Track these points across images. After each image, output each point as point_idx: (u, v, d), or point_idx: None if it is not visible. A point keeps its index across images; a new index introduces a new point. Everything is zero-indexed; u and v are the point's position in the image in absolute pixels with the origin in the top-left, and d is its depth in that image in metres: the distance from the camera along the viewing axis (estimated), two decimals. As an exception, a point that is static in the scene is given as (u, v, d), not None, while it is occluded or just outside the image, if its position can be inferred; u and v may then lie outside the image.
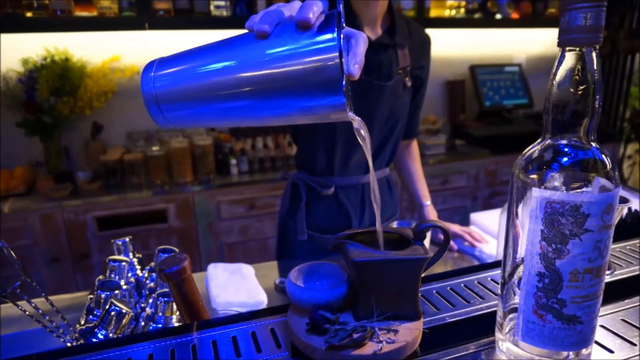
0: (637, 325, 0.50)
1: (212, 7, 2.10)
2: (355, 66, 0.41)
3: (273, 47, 0.39)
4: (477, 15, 2.63)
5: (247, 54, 0.40)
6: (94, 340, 0.61)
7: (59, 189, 1.94)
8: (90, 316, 0.69)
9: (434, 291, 0.59)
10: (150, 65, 0.43)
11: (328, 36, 0.38)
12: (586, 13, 0.36)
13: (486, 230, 1.28)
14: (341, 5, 0.41)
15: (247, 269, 1.03)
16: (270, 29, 0.39)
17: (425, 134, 2.58)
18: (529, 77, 2.91)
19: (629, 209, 0.93)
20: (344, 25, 0.42)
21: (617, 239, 0.61)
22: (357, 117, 0.44)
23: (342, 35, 0.40)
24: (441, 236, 0.51)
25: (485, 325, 0.50)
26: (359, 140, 0.47)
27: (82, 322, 0.69)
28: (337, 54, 0.37)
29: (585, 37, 0.37)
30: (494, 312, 0.48)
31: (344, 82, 0.38)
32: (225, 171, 2.21)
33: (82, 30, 1.98)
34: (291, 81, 0.39)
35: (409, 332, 0.46)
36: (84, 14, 1.95)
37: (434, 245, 1.15)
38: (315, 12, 0.39)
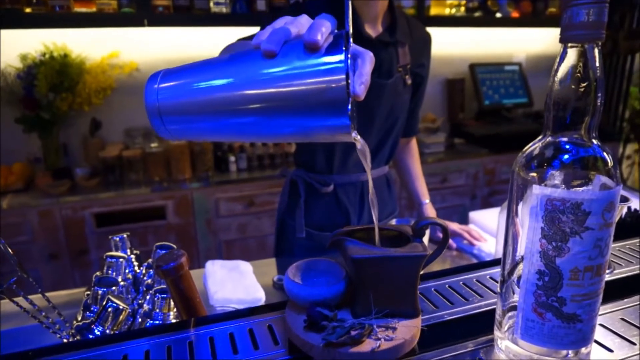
0: (637, 325, 0.50)
1: (211, 4, 2.10)
2: (361, 87, 0.40)
3: (280, 67, 0.39)
4: (477, 14, 2.63)
5: (254, 72, 0.39)
6: (91, 336, 0.61)
7: (57, 186, 1.93)
8: (87, 312, 0.69)
9: (433, 289, 0.59)
10: (154, 77, 0.43)
11: (336, 58, 0.37)
12: (589, 9, 0.36)
13: (485, 228, 1.28)
14: (349, 25, 0.41)
15: (245, 266, 1.03)
16: (278, 49, 0.39)
17: (424, 133, 2.58)
18: (529, 76, 2.91)
19: (629, 208, 0.92)
20: (352, 43, 0.42)
21: (616, 238, 0.61)
22: (360, 139, 0.44)
23: (350, 51, 0.39)
24: (440, 234, 0.51)
25: (484, 324, 0.50)
26: (362, 160, 0.47)
27: (79, 319, 0.69)
28: (344, 76, 0.37)
29: (587, 33, 0.36)
30: (493, 310, 0.48)
31: (349, 106, 0.38)
32: (224, 168, 2.21)
33: (81, 26, 1.98)
34: (296, 102, 0.39)
35: (407, 330, 0.46)
36: (83, 10, 1.94)
37: (433, 244, 1.15)
38: (324, 34, 0.38)
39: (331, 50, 0.38)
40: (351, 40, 0.41)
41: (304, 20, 0.43)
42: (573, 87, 0.38)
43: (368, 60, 0.42)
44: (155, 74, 0.43)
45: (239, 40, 0.88)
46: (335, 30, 0.42)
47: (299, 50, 0.39)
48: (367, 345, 0.43)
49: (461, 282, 0.61)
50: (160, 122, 0.43)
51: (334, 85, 0.37)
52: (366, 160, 0.47)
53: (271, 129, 0.41)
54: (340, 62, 0.37)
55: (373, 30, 1.05)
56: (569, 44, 0.38)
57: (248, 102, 0.40)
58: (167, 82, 0.42)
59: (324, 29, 0.39)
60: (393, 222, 1.22)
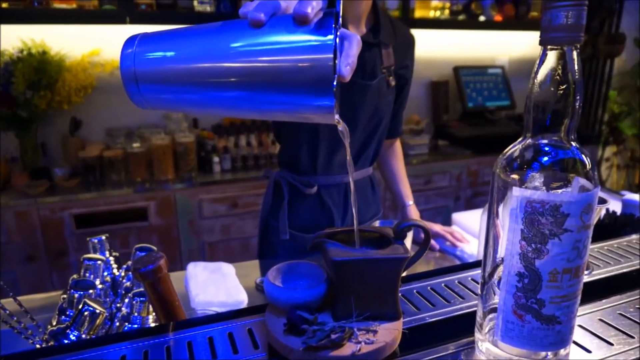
0: (614, 325, 0.51)
1: (195, 3, 2.08)
2: (347, 67, 0.40)
3: (266, 38, 0.37)
4: (461, 17, 2.65)
5: (239, 42, 0.38)
6: (66, 341, 0.59)
7: (35, 186, 1.89)
8: (63, 317, 0.67)
9: (415, 291, 0.59)
10: (131, 40, 0.40)
11: (325, 35, 0.36)
12: (567, 12, 0.36)
13: (468, 230, 1.29)
14: (340, 6, 0.40)
15: (228, 268, 1.02)
16: (266, 18, 0.38)
17: (408, 134, 2.60)
18: (511, 79, 2.95)
19: (607, 210, 0.94)
20: (340, 26, 0.42)
21: (594, 240, 0.62)
22: (341, 121, 0.43)
23: (338, 31, 0.39)
24: (423, 236, 0.50)
25: (465, 326, 0.50)
26: (343, 140, 0.46)
27: (54, 323, 0.67)
28: (331, 55, 0.36)
29: (566, 36, 0.36)
30: (474, 312, 0.48)
31: (335, 84, 0.37)
32: (207, 169, 2.19)
33: (60, 22, 1.94)
34: (281, 76, 0.37)
35: (388, 333, 0.45)
36: (63, 6, 1.90)
37: (416, 245, 1.15)
38: (315, 8, 0.38)
39: (321, 26, 0.37)
40: (340, 22, 0.40)
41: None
42: (552, 89, 0.38)
43: (355, 43, 0.41)
44: (132, 38, 0.41)
45: None
46: (325, 9, 0.41)
47: (288, 23, 0.37)
48: (347, 349, 0.43)
49: (443, 284, 0.61)
50: (136, 89, 0.40)
51: (321, 62, 0.36)
52: (347, 142, 0.46)
53: (253, 103, 0.39)
54: (329, 39, 0.36)
55: (357, 31, 1.05)
56: (549, 47, 0.38)
57: (231, 74, 0.38)
58: (146, 48, 0.40)
59: (315, 4, 0.38)
60: (376, 223, 1.22)
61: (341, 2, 0.41)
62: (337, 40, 0.38)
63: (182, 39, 0.40)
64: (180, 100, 0.41)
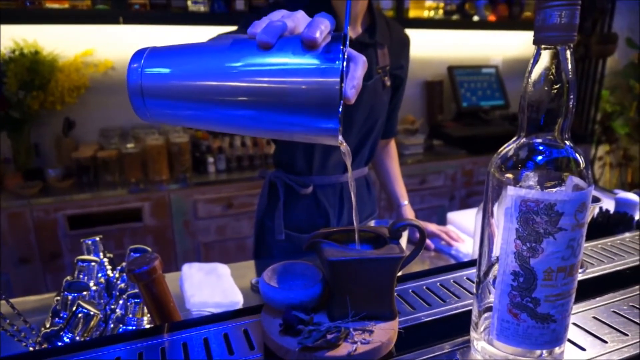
0: (608, 323, 0.51)
1: (189, 3, 2.07)
2: (352, 90, 0.40)
3: (274, 60, 0.37)
4: (455, 17, 2.66)
5: (246, 63, 0.38)
6: (60, 344, 0.59)
7: (28, 187, 1.87)
8: (56, 319, 0.66)
9: (410, 290, 0.59)
10: (139, 55, 0.41)
11: (332, 59, 0.37)
12: (561, 11, 0.36)
13: (463, 229, 1.30)
14: (348, 27, 0.40)
15: (223, 269, 1.01)
16: (274, 40, 0.38)
17: (403, 134, 2.60)
18: (505, 79, 2.96)
19: (600, 208, 0.95)
20: (347, 48, 0.41)
21: (588, 238, 0.62)
22: (344, 142, 0.43)
23: (346, 55, 0.39)
24: (419, 236, 0.50)
25: (460, 325, 0.50)
26: (346, 162, 0.47)
27: (48, 326, 0.66)
28: (338, 79, 0.36)
29: (560, 35, 0.37)
30: (470, 312, 0.48)
31: (340, 108, 0.37)
32: (202, 169, 2.18)
33: (53, 22, 1.92)
34: (287, 98, 0.37)
35: (384, 333, 0.45)
36: (56, 5, 1.89)
37: (411, 245, 1.15)
38: (323, 32, 0.38)
39: (329, 50, 0.37)
40: (348, 43, 0.40)
41: (301, 16, 0.42)
42: (546, 88, 0.38)
43: (361, 64, 0.41)
44: (140, 52, 0.41)
45: (225, 34, 0.87)
46: (333, 32, 0.41)
47: (296, 45, 0.37)
48: (343, 349, 0.43)
49: (438, 284, 0.61)
50: (142, 104, 0.40)
51: (328, 86, 0.36)
52: (349, 163, 0.47)
53: (257, 123, 0.39)
54: (337, 63, 0.36)
55: (352, 32, 1.05)
56: (542, 46, 0.38)
57: (237, 94, 0.38)
58: (153, 63, 0.40)
59: (323, 27, 0.38)
60: (372, 223, 1.23)
61: (348, 23, 0.40)
62: (345, 62, 0.38)
63: (189, 55, 0.40)
64: (185, 117, 0.41)
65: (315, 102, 0.37)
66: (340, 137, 0.41)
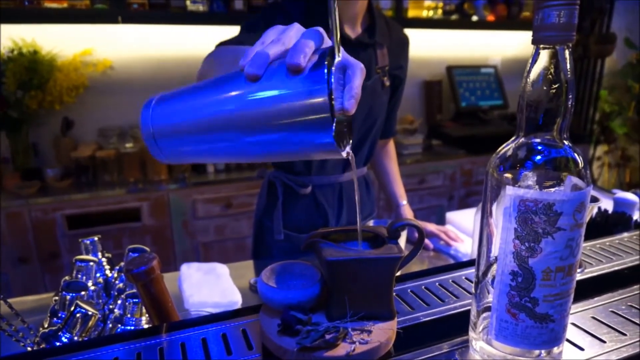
0: (607, 323, 0.51)
1: (188, 2, 2.06)
2: (351, 101, 0.39)
3: (263, 90, 0.38)
4: (454, 17, 2.66)
5: (239, 96, 0.39)
6: (58, 344, 0.58)
7: (26, 187, 1.87)
8: (55, 319, 0.66)
9: (409, 290, 0.59)
10: (149, 103, 0.44)
11: (318, 81, 0.37)
12: (559, 11, 0.36)
13: (462, 229, 1.30)
14: (335, 38, 0.40)
15: (222, 269, 1.01)
16: (261, 72, 0.38)
17: (402, 134, 2.60)
18: (504, 79, 2.97)
19: (599, 208, 0.95)
20: (340, 55, 0.41)
21: (587, 238, 0.62)
22: (350, 152, 0.43)
23: (333, 70, 0.39)
24: (417, 235, 0.50)
25: (459, 325, 0.50)
26: (353, 169, 0.47)
27: (46, 325, 0.66)
28: (326, 98, 0.36)
29: (558, 35, 0.37)
30: (469, 311, 0.48)
31: (334, 125, 0.38)
32: (201, 169, 2.18)
33: (51, 22, 1.92)
34: (281, 124, 0.38)
35: (383, 333, 0.45)
36: (54, 5, 1.88)
37: (410, 245, 1.15)
38: (307, 54, 0.38)
39: (314, 71, 0.37)
40: (339, 53, 0.40)
41: (293, 34, 0.42)
42: (545, 88, 0.38)
43: (359, 73, 0.41)
44: (150, 100, 0.45)
45: (220, 45, 0.87)
46: (322, 47, 0.41)
47: (282, 71, 0.38)
48: (342, 349, 0.43)
49: (437, 283, 0.61)
50: (156, 147, 0.44)
51: (317, 107, 0.37)
52: (355, 170, 0.48)
53: (260, 150, 0.41)
54: (321, 85, 0.37)
55: (352, 31, 1.05)
56: (541, 46, 0.38)
57: (235, 126, 0.40)
58: (159, 107, 0.43)
59: (308, 49, 0.38)
60: (370, 223, 1.23)
61: (337, 32, 0.40)
62: (334, 75, 0.38)
63: (190, 95, 0.42)
64: (195, 152, 0.43)
65: (307, 122, 0.38)
66: (347, 148, 0.42)
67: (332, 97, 0.38)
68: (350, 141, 0.45)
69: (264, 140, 0.40)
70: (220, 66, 0.61)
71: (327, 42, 0.43)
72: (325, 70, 0.37)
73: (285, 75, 0.38)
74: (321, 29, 0.42)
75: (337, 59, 0.40)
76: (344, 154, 0.41)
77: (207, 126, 0.41)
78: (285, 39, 0.41)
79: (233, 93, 0.40)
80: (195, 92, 0.42)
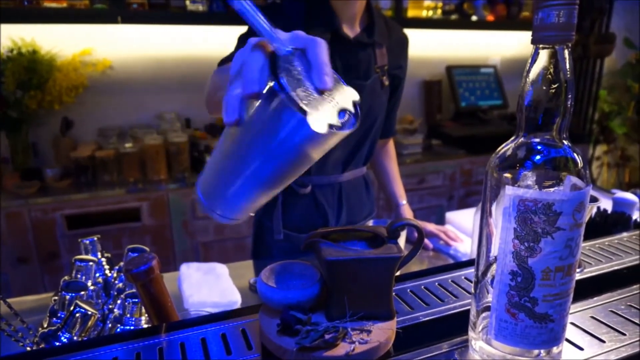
0: (606, 323, 0.51)
1: (187, 2, 2.06)
2: (321, 78, 0.39)
3: (248, 128, 0.40)
4: (453, 17, 2.66)
5: (236, 144, 0.42)
6: (57, 344, 0.58)
7: (26, 186, 1.87)
8: (54, 319, 0.66)
9: (409, 290, 0.59)
10: (198, 179, 0.50)
11: (274, 92, 0.37)
12: (559, 10, 0.36)
13: (461, 229, 1.30)
14: (266, 31, 0.39)
15: (221, 269, 1.01)
16: (236, 116, 0.39)
17: (402, 134, 2.60)
18: (504, 79, 2.97)
19: (598, 208, 0.95)
20: (287, 47, 0.40)
21: (586, 238, 0.62)
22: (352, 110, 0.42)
23: (281, 65, 0.39)
24: (417, 235, 0.50)
25: (459, 324, 0.50)
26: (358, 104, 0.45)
27: (45, 325, 0.66)
28: (285, 99, 0.36)
29: (558, 35, 0.37)
30: (468, 311, 0.48)
31: (307, 114, 0.37)
32: (200, 169, 2.15)
33: (51, 22, 1.92)
34: (278, 142, 0.39)
35: (382, 332, 0.45)
36: (53, 5, 1.88)
37: (410, 244, 1.15)
38: (256, 78, 0.38)
39: (269, 85, 0.38)
40: (284, 46, 0.40)
41: (247, 59, 0.41)
42: (544, 88, 0.38)
43: (317, 49, 0.40)
44: (198, 178, 0.50)
45: (221, 62, 0.88)
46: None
47: (250, 104, 0.39)
48: (341, 349, 0.43)
49: (437, 283, 0.61)
50: (213, 212, 0.47)
51: (286, 110, 0.37)
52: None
53: (282, 173, 0.42)
54: (279, 92, 0.37)
55: (351, 31, 1.05)
56: (540, 45, 0.38)
57: (248, 167, 0.42)
58: (201, 183, 0.49)
59: (254, 74, 0.38)
60: (370, 223, 1.22)
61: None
62: (285, 73, 0.38)
63: (211, 163, 0.47)
64: (235, 201, 0.45)
65: (287, 125, 0.38)
66: (345, 116, 0.41)
67: (296, 90, 0.37)
68: (357, 106, 0.44)
69: (280, 163, 0.41)
70: (221, 90, 0.62)
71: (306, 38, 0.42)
72: (273, 77, 0.37)
73: (253, 106, 0.39)
74: (260, 45, 0.41)
75: (289, 52, 0.39)
76: (340, 121, 0.40)
77: (230, 177, 0.44)
78: (243, 69, 0.40)
79: (233, 142, 0.42)
80: (213, 155, 0.47)
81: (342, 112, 0.41)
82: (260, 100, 0.39)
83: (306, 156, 0.41)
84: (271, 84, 0.37)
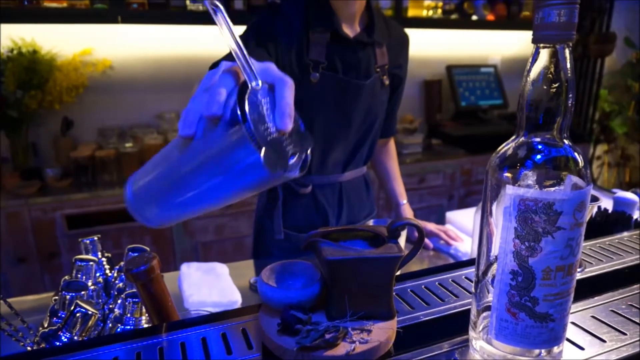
0: (607, 322, 0.51)
1: (187, 2, 2.06)
2: (283, 120, 0.39)
3: (199, 146, 0.40)
4: (453, 16, 2.66)
5: (186, 155, 0.41)
6: (57, 343, 0.58)
7: (26, 186, 1.87)
8: (54, 318, 0.66)
9: (409, 289, 0.59)
10: (128, 182, 0.47)
11: (234, 120, 0.37)
12: (560, 10, 0.36)
13: (461, 228, 1.30)
14: (247, 65, 0.39)
15: (221, 268, 1.01)
16: (192, 130, 0.39)
17: (402, 133, 2.60)
18: (504, 78, 2.96)
19: (599, 207, 0.95)
20: (259, 82, 0.40)
21: (587, 237, 0.62)
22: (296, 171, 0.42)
23: (247, 100, 0.38)
24: (417, 234, 0.50)
25: (459, 324, 0.50)
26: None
27: (46, 325, 0.66)
28: (245, 133, 0.37)
29: (558, 34, 0.37)
30: (468, 311, 0.48)
31: (262, 153, 0.37)
32: (201, 169, 2.17)
33: (51, 22, 1.91)
34: (223, 169, 0.39)
35: (383, 332, 0.45)
36: (54, 5, 1.88)
37: (410, 244, 1.15)
38: (219, 101, 0.38)
39: (231, 112, 0.38)
40: (257, 80, 0.40)
41: (217, 79, 0.41)
42: (545, 87, 0.38)
43: (285, 89, 0.40)
44: (131, 175, 0.47)
45: (214, 65, 0.87)
46: (239, 82, 0.41)
47: (208, 125, 0.39)
48: (341, 349, 0.43)
49: (437, 283, 0.61)
50: (139, 214, 0.45)
51: (242, 143, 0.37)
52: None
53: (216, 196, 0.42)
54: (238, 122, 0.37)
55: (351, 30, 1.05)
56: (541, 45, 0.38)
57: (188, 184, 0.41)
58: (133, 182, 0.46)
59: (219, 97, 0.38)
60: (370, 222, 1.22)
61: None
62: (249, 107, 0.38)
63: (152, 165, 0.45)
64: (174, 215, 0.45)
65: (241, 167, 0.38)
66: (295, 160, 0.42)
67: (262, 125, 0.38)
68: (310, 148, 0.45)
69: (216, 187, 0.41)
70: None
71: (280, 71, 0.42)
72: (238, 107, 0.37)
73: (210, 126, 0.39)
74: (233, 70, 0.41)
75: (258, 85, 0.40)
76: (291, 174, 0.41)
77: (170, 186, 0.43)
78: (210, 89, 0.41)
79: (181, 155, 0.41)
80: (155, 160, 0.45)
81: (292, 156, 0.42)
82: (219, 124, 0.38)
83: (248, 189, 0.41)
84: (236, 111, 0.37)
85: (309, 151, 0.44)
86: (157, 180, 0.44)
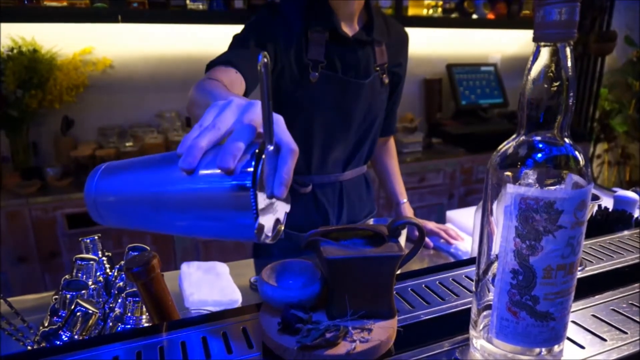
0: (607, 321, 0.51)
1: (188, 1, 2.06)
2: (281, 188, 0.39)
3: (195, 182, 0.39)
4: (454, 15, 2.66)
5: (173, 185, 0.40)
6: (58, 342, 0.58)
7: (26, 186, 1.87)
8: (55, 317, 0.66)
9: (409, 289, 0.59)
10: (95, 171, 0.46)
11: (244, 183, 0.37)
12: (561, 8, 0.36)
13: (462, 227, 1.29)
14: (268, 128, 0.39)
15: (222, 268, 1.01)
16: (194, 165, 0.39)
17: (402, 132, 2.60)
18: (504, 77, 2.96)
19: (599, 206, 0.95)
20: (272, 144, 0.40)
21: (587, 236, 0.62)
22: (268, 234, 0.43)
23: (262, 163, 0.38)
24: (417, 233, 0.50)
25: (459, 323, 0.50)
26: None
27: (46, 324, 0.66)
28: (251, 199, 0.37)
29: (559, 32, 0.36)
30: (469, 310, 0.48)
31: (256, 225, 0.38)
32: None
33: (51, 21, 1.91)
34: (210, 214, 0.39)
35: (383, 331, 0.45)
36: (54, 4, 1.88)
37: (410, 243, 1.15)
38: (237, 156, 0.38)
39: (242, 172, 0.38)
40: (271, 142, 0.40)
41: (230, 115, 0.41)
42: (546, 86, 0.38)
43: (289, 157, 0.40)
44: (97, 168, 0.46)
45: (210, 64, 0.86)
46: (255, 140, 0.40)
47: (214, 166, 0.38)
48: (342, 348, 0.43)
49: (437, 282, 0.61)
50: (96, 212, 0.45)
51: (242, 204, 0.37)
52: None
53: (189, 230, 0.43)
54: (247, 189, 0.37)
55: (350, 29, 1.05)
56: (542, 43, 0.38)
57: (166, 209, 0.41)
58: (104, 178, 0.45)
59: (237, 152, 0.38)
60: (371, 221, 1.22)
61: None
62: (262, 170, 0.38)
63: (131, 173, 0.44)
64: (129, 222, 0.45)
65: (234, 223, 0.39)
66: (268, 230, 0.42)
67: (261, 188, 0.39)
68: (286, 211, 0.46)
69: (193, 224, 0.41)
70: (199, 107, 0.61)
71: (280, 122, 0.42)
72: (252, 170, 0.37)
73: (215, 172, 0.39)
74: (254, 122, 0.41)
75: (270, 148, 0.40)
76: (268, 240, 0.41)
77: (141, 202, 0.42)
78: (221, 123, 0.40)
79: (169, 181, 0.41)
80: (136, 169, 0.44)
81: (275, 224, 0.43)
82: (222, 175, 0.38)
83: (219, 236, 0.42)
84: (248, 173, 0.37)
85: (283, 216, 0.46)
86: (130, 190, 0.43)
